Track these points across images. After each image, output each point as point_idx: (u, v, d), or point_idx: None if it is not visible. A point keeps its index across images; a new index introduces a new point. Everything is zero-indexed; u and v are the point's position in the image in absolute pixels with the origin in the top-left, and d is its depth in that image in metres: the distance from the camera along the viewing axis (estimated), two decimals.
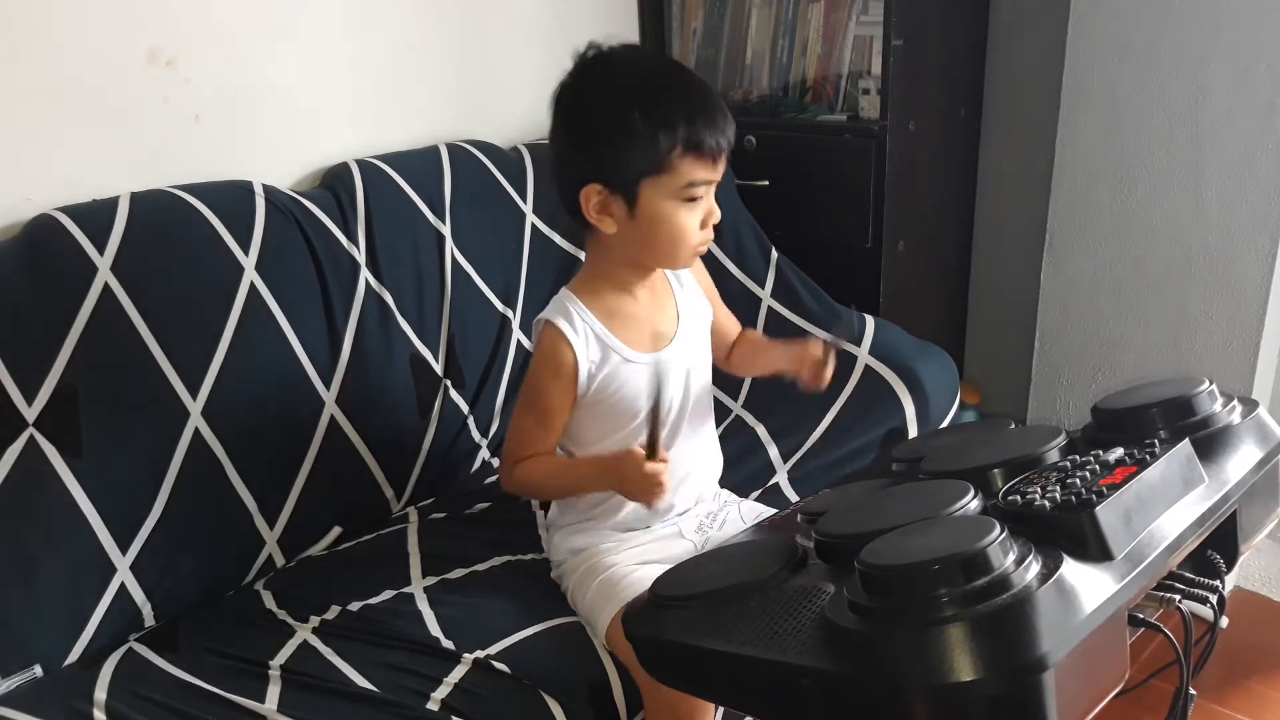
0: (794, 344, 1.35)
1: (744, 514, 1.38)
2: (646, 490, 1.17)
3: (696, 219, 1.20)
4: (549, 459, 1.29)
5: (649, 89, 1.17)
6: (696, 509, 1.36)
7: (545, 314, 1.26)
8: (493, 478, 1.67)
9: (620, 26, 2.16)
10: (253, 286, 1.47)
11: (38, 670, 1.24)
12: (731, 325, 1.46)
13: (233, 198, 1.51)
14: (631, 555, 1.29)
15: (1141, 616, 0.85)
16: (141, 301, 1.37)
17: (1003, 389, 2.34)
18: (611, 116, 1.16)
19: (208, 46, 1.56)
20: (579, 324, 1.23)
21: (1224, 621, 0.92)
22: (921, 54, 1.97)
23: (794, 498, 1.59)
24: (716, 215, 1.22)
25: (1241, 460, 0.96)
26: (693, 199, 1.18)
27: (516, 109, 1.98)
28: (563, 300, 1.26)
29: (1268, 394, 1.95)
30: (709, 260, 1.86)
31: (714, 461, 1.41)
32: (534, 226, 1.83)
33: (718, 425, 1.43)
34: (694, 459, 1.35)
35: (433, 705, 1.13)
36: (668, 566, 1.24)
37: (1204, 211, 1.88)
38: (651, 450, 1.15)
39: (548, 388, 1.24)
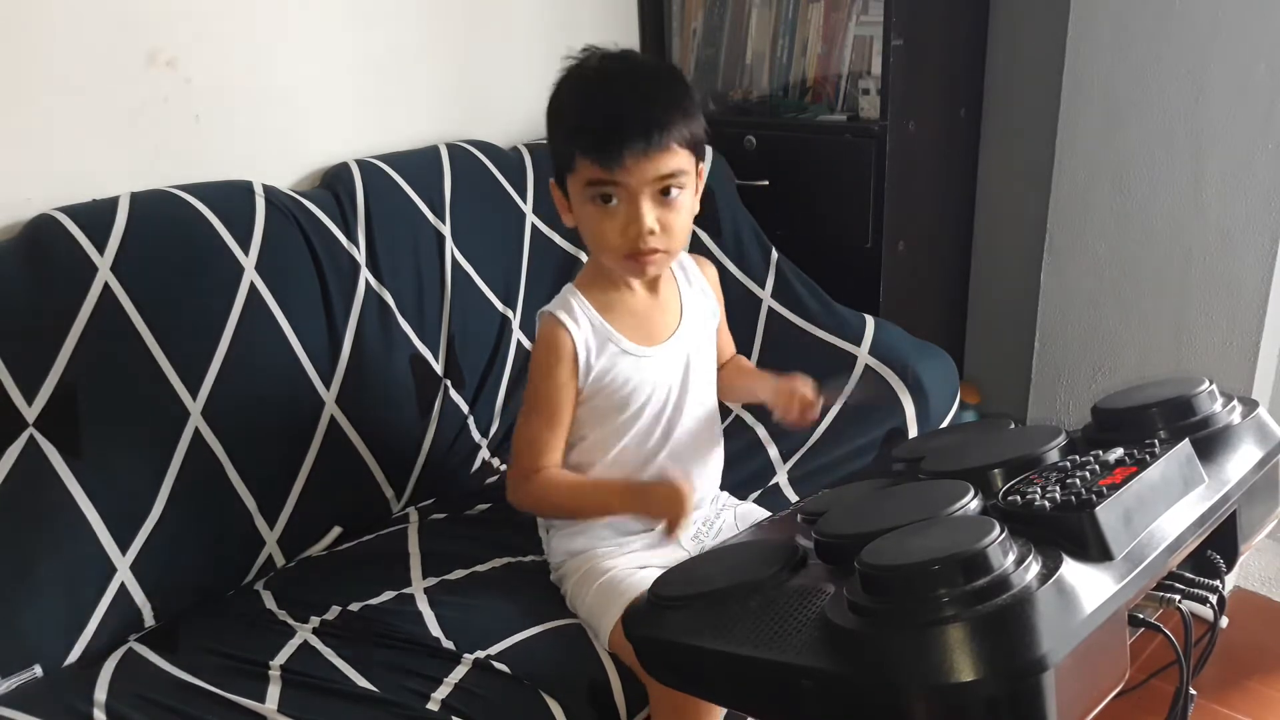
0: (782, 378, 1.31)
1: (739, 518, 1.38)
2: (673, 508, 1.15)
3: (614, 224, 1.17)
4: (564, 478, 1.26)
5: (575, 88, 1.19)
6: (699, 513, 1.36)
7: (547, 306, 1.27)
8: (493, 478, 1.67)
9: (620, 27, 2.16)
10: (253, 286, 1.47)
11: (38, 670, 1.24)
12: (726, 346, 1.45)
13: (233, 198, 1.51)
14: (630, 559, 1.29)
15: (1141, 616, 0.85)
16: (141, 301, 1.37)
17: (1003, 389, 2.34)
18: (550, 115, 1.22)
19: (208, 46, 1.56)
20: (579, 314, 1.25)
21: (1224, 621, 0.92)
22: (921, 54, 1.97)
23: (794, 498, 1.59)
24: (641, 225, 1.16)
25: (1241, 460, 0.96)
26: (604, 198, 1.17)
27: (516, 109, 1.98)
28: (565, 293, 1.28)
29: (1268, 394, 1.95)
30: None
31: (717, 463, 1.40)
32: (534, 226, 1.83)
33: None
34: (697, 457, 1.35)
35: (433, 705, 1.13)
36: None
37: (1204, 212, 1.87)
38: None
39: (550, 376, 1.24)
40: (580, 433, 1.29)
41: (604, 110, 1.15)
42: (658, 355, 1.28)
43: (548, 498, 1.27)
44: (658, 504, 1.16)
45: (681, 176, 1.17)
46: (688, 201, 1.20)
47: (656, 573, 1.21)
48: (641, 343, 1.27)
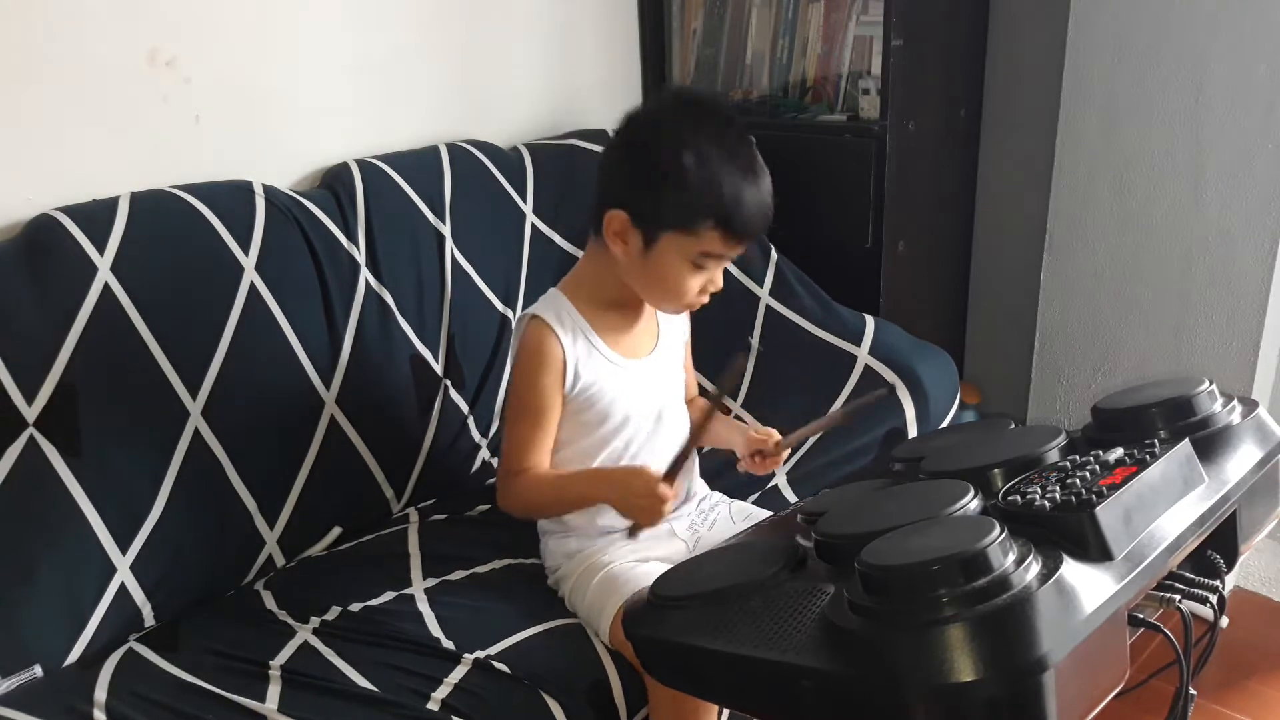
0: (742, 426, 1.40)
1: (734, 514, 1.40)
2: (649, 511, 1.19)
3: (699, 283, 1.23)
4: (546, 473, 1.28)
5: (716, 154, 1.17)
6: (686, 507, 1.38)
7: (532, 309, 1.28)
8: (493, 478, 1.67)
9: (620, 27, 2.16)
10: (253, 286, 1.47)
11: (38, 670, 1.24)
12: (689, 379, 1.47)
13: (233, 198, 1.51)
14: (627, 553, 1.29)
15: (1141, 616, 0.85)
16: (141, 301, 1.37)
17: (1003, 389, 2.34)
18: (671, 162, 1.16)
19: (208, 46, 1.55)
20: (567, 320, 1.26)
21: (1224, 621, 0.92)
22: (921, 54, 1.96)
23: (793, 498, 1.59)
24: (717, 286, 1.25)
25: (1241, 460, 0.96)
26: (703, 265, 1.21)
27: (516, 109, 1.98)
28: (551, 298, 1.29)
29: (1268, 394, 1.95)
30: None
31: (693, 465, 1.42)
32: (534, 226, 1.83)
33: None
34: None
35: (433, 705, 1.13)
36: (665, 563, 1.25)
37: (1204, 211, 1.87)
38: (668, 478, 1.18)
39: (538, 383, 1.25)
40: (563, 445, 1.30)
41: (758, 207, 1.20)
42: (639, 369, 1.31)
43: (534, 495, 1.28)
44: (634, 502, 1.19)
45: None
46: None
47: (655, 565, 1.22)
48: (625, 355, 1.30)
